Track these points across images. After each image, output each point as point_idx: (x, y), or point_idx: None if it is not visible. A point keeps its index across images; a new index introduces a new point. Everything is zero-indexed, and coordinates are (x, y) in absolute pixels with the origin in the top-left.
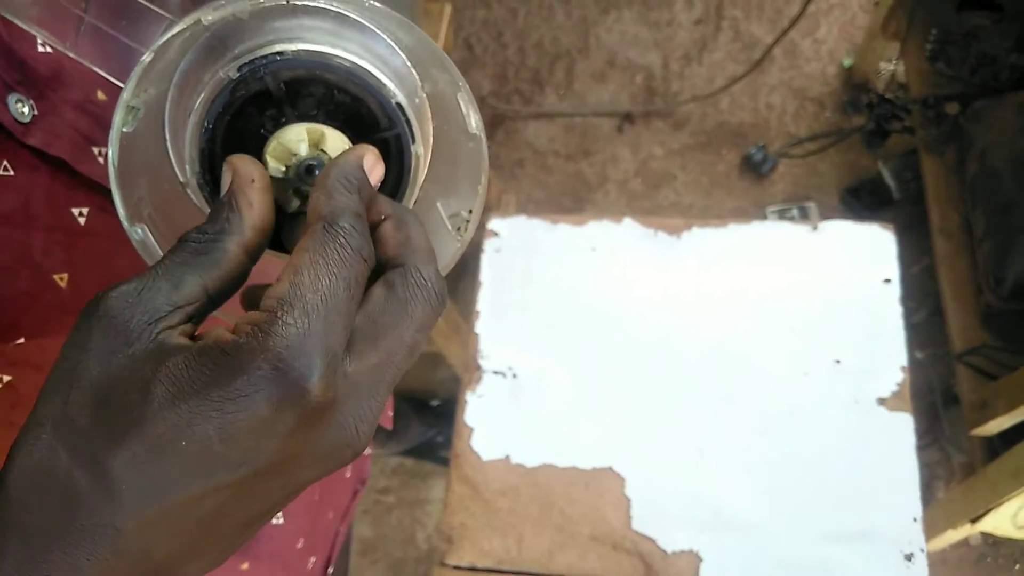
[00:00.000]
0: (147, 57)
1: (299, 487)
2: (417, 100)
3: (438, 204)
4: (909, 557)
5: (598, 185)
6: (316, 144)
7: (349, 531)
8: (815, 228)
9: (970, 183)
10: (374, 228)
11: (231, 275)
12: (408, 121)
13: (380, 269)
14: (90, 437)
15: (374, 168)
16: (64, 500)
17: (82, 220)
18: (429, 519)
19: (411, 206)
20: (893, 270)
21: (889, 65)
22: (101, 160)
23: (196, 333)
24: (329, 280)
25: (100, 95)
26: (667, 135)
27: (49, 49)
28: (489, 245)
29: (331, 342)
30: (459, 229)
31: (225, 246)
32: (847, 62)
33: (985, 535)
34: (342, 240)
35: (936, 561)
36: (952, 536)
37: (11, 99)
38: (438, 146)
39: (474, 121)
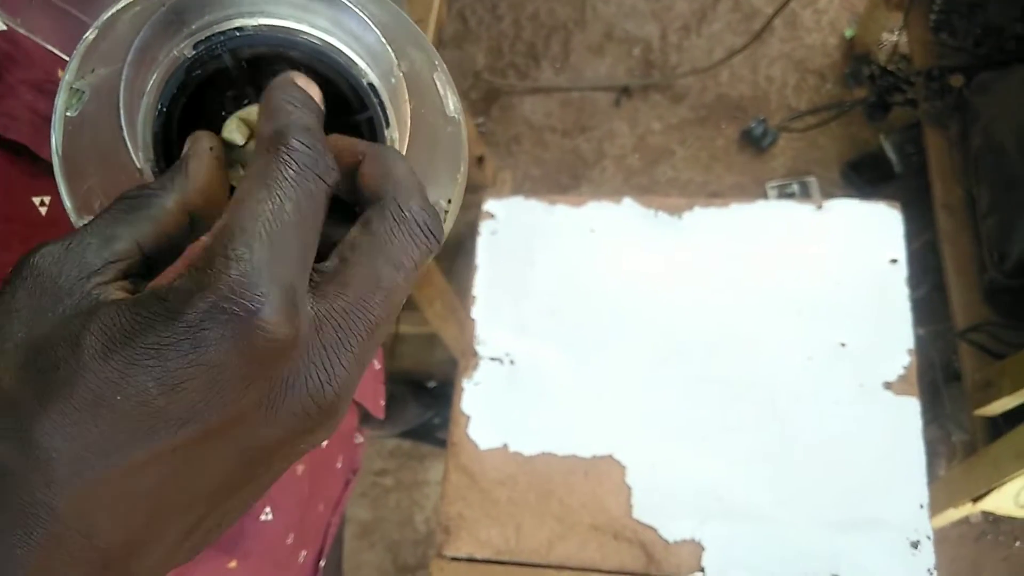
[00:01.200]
0: (90, 34)
1: (262, 453)
2: (393, 80)
3: None
4: (915, 544)
5: (595, 161)
6: None
7: (341, 521)
8: (819, 207)
9: (974, 157)
10: (351, 169)
11: (167, 232)
12: (382, 103)
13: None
14: (14, 403)
15: (308, 87)
16: None
17: (43, 210)
18: (427, 501)
19: None
20: (900, 250)
21: (891, 36)
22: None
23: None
24: (273, 204)
25: (61, 73)
26: (665, 109)
27: (3, 26)
28: (485, 227)
29: (283, 271)
30: None
31: (162, 201)
32: (849, 33)
33: (986, 513)
34: (285, 157)
35: (937, 539)
36: (953, 515)
37: None
38: (415, 131)
39: (452, 103)
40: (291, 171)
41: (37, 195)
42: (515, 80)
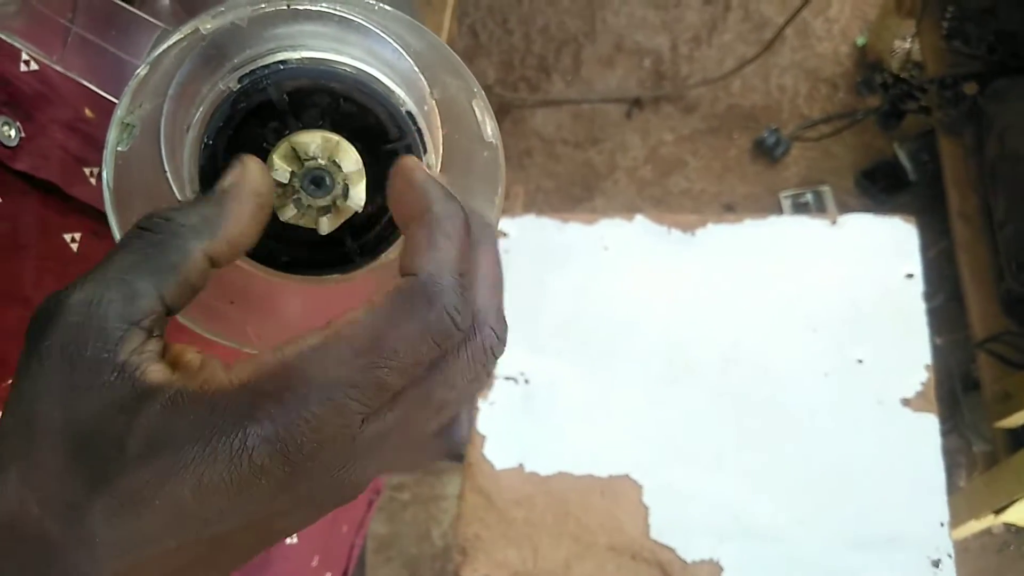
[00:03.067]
0: (142, 70)
1: (284, 534)
2: (426, 107)
3: None
4: (936, 563)
5: (607, 173)
6: (329, 155)
7: (364, 542)
8: (834, 222)
9: (990, 165)
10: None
11: (190, 284)
12: (419, 130)
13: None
14: (64, 486)
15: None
16: (37, 550)
17: (75, 246)
18: (444, 516)
19: None
20: (915, 264)
21: (904, 43)
22: (93, 181)
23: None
24: (374, 351)
25: (88, 112)
26: (677, 120)
27: (34, 67)
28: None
29: (340, 418)
30: None
31: (188, 249)
32: (860, 41)
33: (1008, 524)
34: (428, 322)
35: (958, 550)
36: (975, 526)
37: None
38: (450, 156)
39: (490, 128)
40: (416, 338)
41: (68, 232)
42: (526, 93)
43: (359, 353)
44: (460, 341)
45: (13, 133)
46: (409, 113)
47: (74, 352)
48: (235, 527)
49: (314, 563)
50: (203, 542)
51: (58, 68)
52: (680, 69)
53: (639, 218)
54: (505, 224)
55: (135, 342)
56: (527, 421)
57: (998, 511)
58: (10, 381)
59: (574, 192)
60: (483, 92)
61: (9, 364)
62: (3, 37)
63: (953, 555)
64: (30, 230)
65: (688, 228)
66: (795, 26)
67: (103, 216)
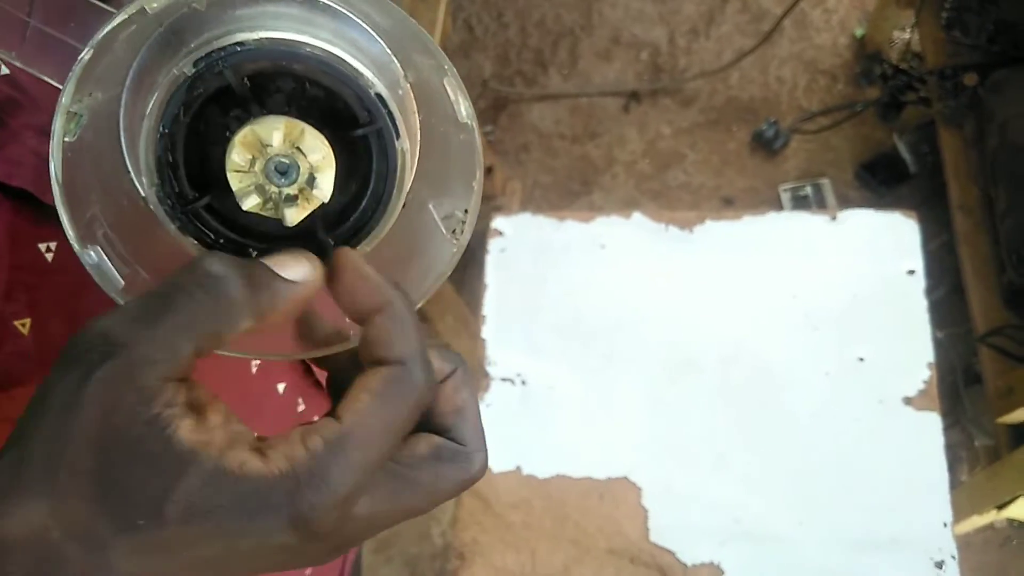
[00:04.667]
0: (86, 55)
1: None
2: (400, 92)
3: (430, 205)
4: (940, 564)
5: (606, 167)
6: (292, 142)
7: (360, 547)
8: (833, 218)
9: (991, 157)
10: (364, 316)
11: (224, 345)
12: (391, 113)
13: (432, 426)
14: (93, 524)
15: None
16: (52, 566)
17: (49, 256)
18: (444, 515)
19: (399, 210)
20: (917, 260)
21: (903, 34)
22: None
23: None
24: (385, 441)
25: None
26: (675, 113)
27: (5, 71)
28: (494, 245)
29: (358, 496)
30: (454, 231)
31: (238, 323)
32: (859, 32)
33: (1011, 519)
34: (415, 398)
35: (960, 545)
36: (977, 521)
37: None
38: (426, 141)
39: (464, 109)
40: (407, 412)
41: (43, 241)
42: (523, 88)
43: (373, 443)
44: (460, 479)
45: None
46: (379, 95)
47: (114, 403)
48: (244, 571)
49: (308, 572)
50: None
51: (17, 64)
52: (678, 62)
53: (637, 216)
54: (501, 223)
55: (168, 395)
56: (524, 423)
57: (1001, 506)
58: None
59: (572, 187)
60: (455, 70)
61: None
62: None
63: (957, 556)
64: (2, 240)
65: (686, 225)
66: (793, 17)
67: None
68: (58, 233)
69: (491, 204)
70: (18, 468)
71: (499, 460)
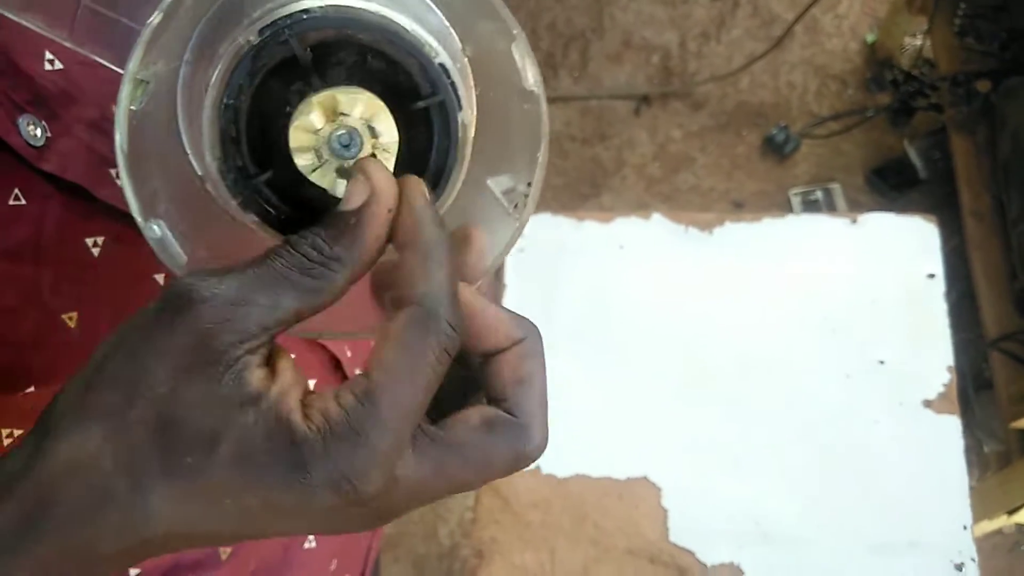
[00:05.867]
0: (155, 18)
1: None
2: (459, 65)
3: (488, 181)
4: (960, 567)
5: (616, 170)
6: (368, 119)
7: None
8: (854, 221)
9: (1003, 163)
10: (496, 352)
11: (327, 305)
12: (453, 84)
13: (490, 394)
14: (143, 457)
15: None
16: (98, 498)
17: (95, 251)
18: (451, 515)
19: (459, 186)
20: (937, 264)
21: (914, 40)
22: (118, 183)
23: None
24: (412, 390)
25: (114, 110)
26: (685, 117)
27: (59, 65)
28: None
29: (396, 455)
30: (516, 206)
31: (336, 279)
32: (870, 38)
33: (1020, 524)
34: (433, 342)
35: None
36: (987, 526)
37: (22, 121)
38: (487, 116)
39: (531, 76)
40: (433, 356)
41: (90, 236)
42: None
43: (403, 393)
44: (514, 458)
45: (39, 132)
46: (442, 65)
47: (207, 340)
48: (281, 533)
49: (332, 566)
50: (251, 534)
51: (68, 45)
52: (688, 65)
53: (656, 216)
54: None
55: (259, 342)
56: None
57: (1011, 511)
58: (32, 388)
59: (582, 189)
60: (524, 35)
61: (30, 374)
62: (8, 15)
63: (976, 559)
64: (51, 234)
65: (705, 227)
66: (804, 23)
67: (126, 218)
68: (105, 227)
69: None
70: (87, 388)
71: None
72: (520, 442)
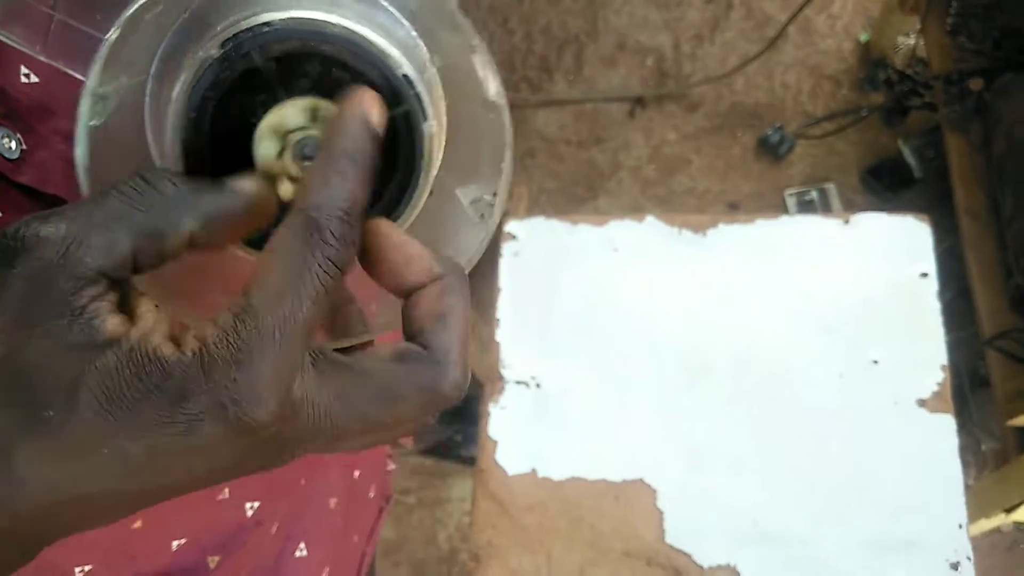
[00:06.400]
0: (112, 34)
1: (221, 482)
2: (426, 75)
3: (457, 192)
4: (955, 566)
5: (611, 173)
6: (321, 120)
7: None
8: (846, 222)
9: (997, 162)
10: (415, 288)
11: (165, 255)
12: (418, 95)
13: (407, 330)
14: None
15: (373, 105)
16: None
17: None
18: (450, 519)
19: (425, 196)
20: (930, 263)
21: (908, 40)
22: None
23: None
24: (294, 301)
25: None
26: (680, 119)
27: (35, 79)
28: (507, 249)
29: (287, 373)
30: (483, 215)
31: (179, 223)
32: (864, 37)
33: (1018, 523)
34: (322, 250)
35: None
36: (985, 525)
37: None
38: (452, 126)
39: (493, 88)
40: (318, 266)
41: None
42: (528, 94)
43: (283, 303)
44: (430, 400)
45: (14, 145)
46: (406, 76)
47: (40, 287)
48: (178, 481)
49: (325, 574)
50: (143, 494)
51: (42, 59)
52: (683, 67)
53: (649, 219)
54: (514, 226)
55: (99, 288)
56: (539, 426)
57: (1009, 510)
58: None
59: (577, 192)
60: (484, 46)
61: None
62: None
63: (972, 557)
64: None
65: (699, 228)
66: (798, 23)
67: None
68: None
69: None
70: None
71: (514, 462)
72: (432, 377)
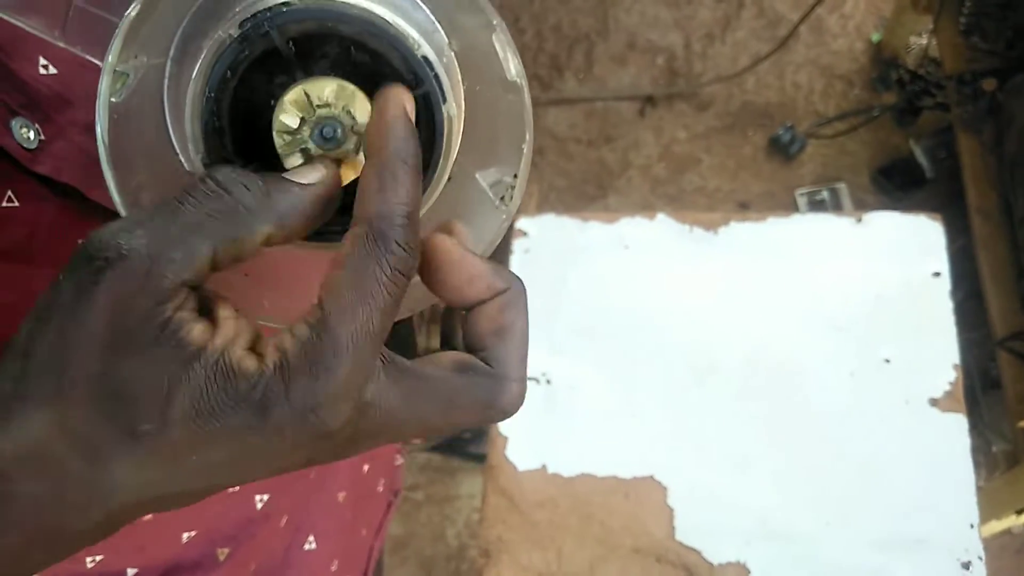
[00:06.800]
0: (133, 10)
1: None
2: (444, 60)
3: (477, 175)
4: (967, 565)
5: (621, 171)
6: (344, 104)
7: (383, 544)
8: (859, 220)
9: (1010, 162)
10: (478, 303)
11: (242, 257)
12: (437, 77)
13: (468, 343)
14: (96, 433)
15: (408, 104)
16: (57, 481)
17: None
18: (459, 515)
19: (444, 179)
20: (942, 263)
21: (920, 39)
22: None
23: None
24: (366, 313)
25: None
26: (691, 118)
27: (53, 70)
28: (518, 246)
29: (359, 382)
30: (503, 198)
31: (255, 227)
32: (876, 37)
33: None
34: (389, 260)
35: None
36: (996, 526)
37: (15, 124)
38: (472, 110)
39: (513, 67)
40: (386, 277)
41: (84, 238)
42: (539, 92)
43: (356, 314)
44: (486, 408)
45: (32, 136)
46: (425, 58)
47: (126, 304)
48: (255, 478)
49: (334, 567)
50: (222, 484)
51: (60, 44)
52: (694, 66)
53: (660, 216)
54: (525, 223)
55: (180, 299)
56: (549, 422)
57: (1020, 511)
58: None
59: (587, 190)
60: (504, 25)
61: None
62: (2, 16)
63: (984, 557)
64: (45, 236)
65: (710, 226)
66: (809, 23)
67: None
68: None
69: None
70: (21, 377)
71: (524, 458)
72: (491, 391)
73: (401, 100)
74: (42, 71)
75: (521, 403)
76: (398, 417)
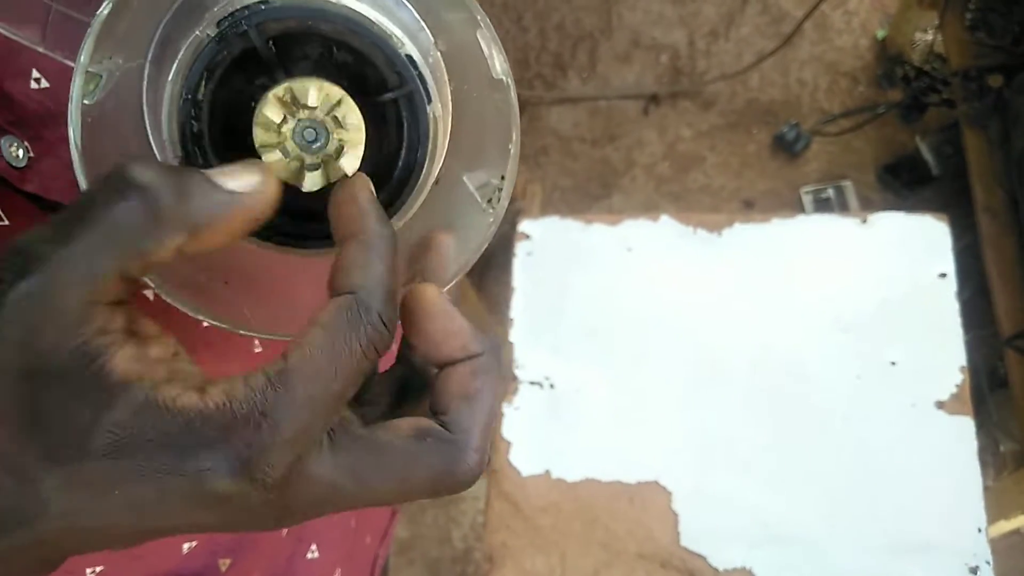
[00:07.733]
0: (104, 9)
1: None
2: (430, 59)
3: (464, 178)
4: (974, 570)
5: (625, 170)
6: (329, 109)
7: (388, 551)
8: (864, 221)
9: (1016, 159)
10: (450, 361)
11: (154, 267)
12: (421, 76)
13: (433, 403)
14: (19, 449)
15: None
16: None
17: None
18: (464, 518)
19: (431, 182)
20: (948, 264)
21: (925, 35)
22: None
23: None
24: (331, 376)
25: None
26: (695, 116)
27: (45, 84)
28: (521, 248)
29: (304, 442)
30: (490, 200)
31: (164, 240)
32: (881, 34)
33: None
34: (367, 332)
35: None
36: (1004, 526)
37: (3, 143)
38: (458, 111)
39: (498, 64)
40: (360, 347)
41: None
42: (542, 91)
43: (320, 378)
44: (447, 481)
45: (21, 153)
46: (409, 57)
47: (35, 328)
48: (180, 527)
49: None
50: (155, 527)
51: (41, 50)
52: (697, 64)
53: (664, 218)
54: (528, 226)
55: (97, 322)
56: (553, 426)
57: None
58: None
59: (591, 190)
60: (489, 22)
61: None
62: None
63: (992, 562)
64: None
65: (714, 228)
66: (814, 19)
67: None
68: None
69: (511, 208)
70: None
71: (528, 463)
72: (448, 460)
73: (368, 185)
74: (34, 85)
75: (479, 474)
76: (344, 491)
